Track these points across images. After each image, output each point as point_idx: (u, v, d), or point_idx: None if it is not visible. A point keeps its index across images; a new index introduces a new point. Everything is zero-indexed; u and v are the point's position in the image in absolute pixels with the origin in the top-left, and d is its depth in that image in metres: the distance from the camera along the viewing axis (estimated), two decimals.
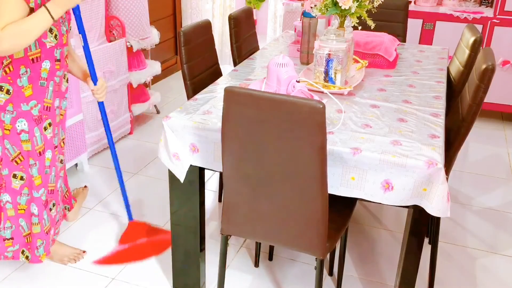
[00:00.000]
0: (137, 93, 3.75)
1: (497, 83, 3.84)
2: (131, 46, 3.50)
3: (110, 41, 3.32)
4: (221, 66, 2.82)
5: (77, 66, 2.24)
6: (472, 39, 2.40)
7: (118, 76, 3.36)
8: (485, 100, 1.91)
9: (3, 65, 1.87)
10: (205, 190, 2.32)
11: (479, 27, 3.82)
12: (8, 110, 1.92)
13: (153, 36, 3.76)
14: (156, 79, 4.65)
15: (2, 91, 1.89)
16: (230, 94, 1.57)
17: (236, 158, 1.66)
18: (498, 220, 2.79)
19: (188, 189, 1.97)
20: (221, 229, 1.85)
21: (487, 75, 1.84)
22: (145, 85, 3.95)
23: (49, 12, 1.78)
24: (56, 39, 1.93)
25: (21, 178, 2.06)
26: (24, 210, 2.11)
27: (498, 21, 3.80)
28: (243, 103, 1.56)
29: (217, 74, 2.70)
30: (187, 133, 1.85)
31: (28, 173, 2.05)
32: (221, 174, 2.39)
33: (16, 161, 2.02)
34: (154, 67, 3.85)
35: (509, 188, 3.12)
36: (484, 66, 1.85)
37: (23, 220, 2.13)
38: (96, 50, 3.10)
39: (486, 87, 1.85)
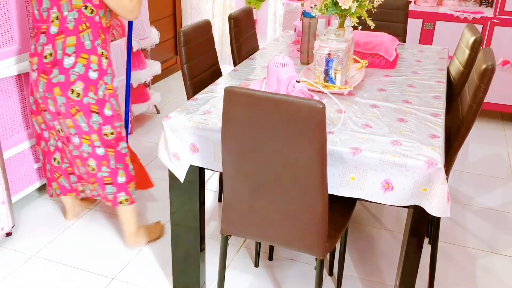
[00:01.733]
0: (137, 93, 3.75)
1: (497, 83, 3.84)
2: None
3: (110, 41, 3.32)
4: (221, 66, 2.82)
5: None
6: (472, 39, 2.40)
7: (118, 76, 3.36)
8: (485, 100, 1.91)
9: (100, 34, 2.17)
10: (205, 190, 2.32)
11: (479, 27, 3.82)
12: (108, 73, 2.22)
13: (153, 36, 3.76)
14: (156, 79, 4.65)
15: (103, 56, 2.19)
16: (230, 94, 1.57)
17: (236, 158, 1.66)
18: (498, 220, 2.79)
19: (188, 189, 1.97)
20: (221, 229, 1.85)
21: (487, 75, 1.84)
22: (145, 85, 3.95)
23: None
24: None
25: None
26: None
27: (498, 21, 3.80)
28: (243, 103, 1.56)
29: (217, 74, 2.70)
30: (187, 133, 1.85)
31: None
32: (221, 174, 2.39)
33: (119, 114, 2.29)
34: (154, 67, 3.85)
35: (509, 188, 3.12)
36: (484, 66, 1.84)
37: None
38: None
39: (486, 87, 1.85)
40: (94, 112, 2.19)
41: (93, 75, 2.16)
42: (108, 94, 2.21)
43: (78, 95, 2.15)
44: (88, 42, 2.13)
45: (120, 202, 2.35)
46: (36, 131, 2.40)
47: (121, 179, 2.32)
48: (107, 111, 2.21)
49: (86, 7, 2.09)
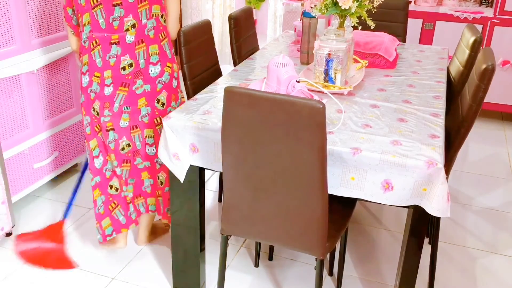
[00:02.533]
0: None
1: (497, 83, 3.84)
2: None
3: None
4: (221, 66, 2.82)
5: None
6: (472, 39, 2.39)
7: None
8: (485, 100, 1.91)
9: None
10: (205, 190, 2.32)
11: (479, 27, 3.82)
12: (179, 81, 2.22)
13: None
14: None
15: (178, 64, 2.20)
16: (230, 94, 1.57)
17: (236, 158, 1.66)
18: (498, 220, 2.79)
19: (188, 189, 1.97)
20: (221, 229, 1.85)
21: (487, 75, 1.84)
22: None
23: None
24: None
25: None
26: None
27: (498, 21, 3.80)
28: (243, 103, 1.55)
29: (217, 74, 2.70)
30: (187, 133, 1.85)
31: None
32: (221, 174, 2.39)
33: None
34: None
35: (509, 188, 3.12)
36: (484, 66, 1.84)
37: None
38: None
39: (486, 87, 1.85)
40: None
41: (175, 83, 2.17)
42: (182, 102, 2.23)
43: (163, 104, 2.13)
44: (168, 51, 2.11)
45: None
46: (92, 155, 2.20)
47: None
48: None
49: (162, 16, 2.04)
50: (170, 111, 2.12)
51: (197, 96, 2.12)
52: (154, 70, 2.05)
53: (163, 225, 2.57)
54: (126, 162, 2.20)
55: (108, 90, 2.04)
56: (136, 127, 2.13)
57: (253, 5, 6.37)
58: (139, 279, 2.26)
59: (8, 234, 2.48)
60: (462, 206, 2.91)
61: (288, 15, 5.01)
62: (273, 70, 1.88)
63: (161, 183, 2.26)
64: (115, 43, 1.99)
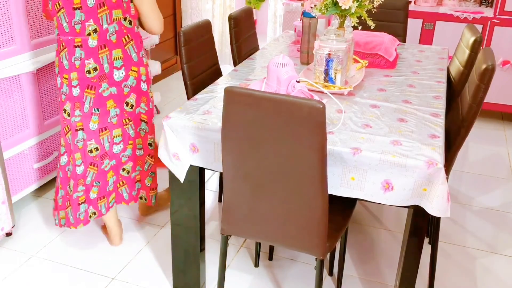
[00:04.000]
0: None
1: (497, 83, 3.84)
2: None
3: None
4: (221, 66, 2.82)
5: None
6: (472, 39, 2.40)
7: None
8: (485, 100, 1.91)
9: (140, 44, 2.15)
10: (205, 190, 2.32)
11: (479, 27, 3.82)
12: (151, 82, 2.28)
13: (153, 36, 3.75)
14: (156, 79, 4.65)
15: (148, 66, 2.24)
16: (230, 94, 1.57)
17: (236, 158, 1.66)
18: (498, 220, 2.79)
19: (188, 189, 1.97)
20: (221, 229, 1.85)
21: (487, 75, 1.84)
22: None
23: None
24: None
25: None
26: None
27: (498, 21, 3.80)
28: (243, 103, 1.56)
29: (217, 74, 2.70)
30: (187, 133, 1.85)
31: None
32: (221, 174, 2.39)
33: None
34: (154, 67, 3.85)
35: (509, 188, 3.12)
36: (484, 66, 1.84)
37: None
38: None
39: (486, 87, 1.85)
40: (143, 121, 2.25)
41: (144, 86, 2.19)
42: (153, 104, 2.30)
43: (132, 106, 2.17)
44: (134, 54, 2.11)
45: (140, 198, 2.44)
46: (59, 152, 2.30)
47: (148, 183, 2.41)
48: (153, 121, 2.30)
49: (125, 19, 2.04)
50: (139, 112, 2.25)
51: (197, 96, 2.12)
52: (118, 75, 2.07)
53: (164, 192, 2.72)
54: (93, 166, 2.23)
55: (75, 91, 2.08)
56: (105, 129, 2.18)
57: (253, 5, 6.38)
58: (139, 279, 2.26)
59: (8, 234, 2.48)
60: (462, 206, 2.91)
61: (288, 15, 5.01)
62: (273, 70, 1.88)
63: (127, 172, 2.33)
64: (78, 46, 2.01)
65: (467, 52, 2.43)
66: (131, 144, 2.28)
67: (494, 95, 3.90)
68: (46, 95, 2.71)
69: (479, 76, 1.87)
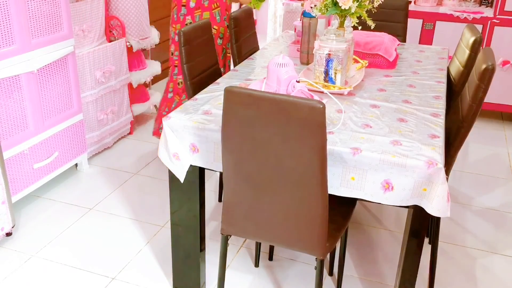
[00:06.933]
0: (137, 93, 3.75)
1: (497, 83, 3.84)
2: (131, 46, 3.50)
3: (110, 41, 3.32)
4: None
5: None
6: (472, 39, 2.39)
7: (119, 76, 3.36)
8: (485, 100, 1.91)
9: (225, 11, 2.99)
10: (205, 190, 2.32)
11: (479, 27, 3.82)
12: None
13: (153, 36, 3.75)
14: (156, 79, 4.65)
15: (227, 28, 3.05)
16: (230, 94, 1.57)
17: (236, 158, 1.66)
18: (498, 220, 2.79)
19: (188, 189, 1.97)
20: (221, 229, 1.85)
21: (487, 75, 1.84)
22: (145, 85, 3.94)
23: None
24: None
25: None
26: None
27: (498, 21, 3.80)
28: (243, 103, 1.56)
29: (217, 74, 2.70)
30: (187, 133, 1.85)
31: None
32: (221, 174, 2.39)
33: None
34: (154, 67, 3.85)
35: (509, 188, 3.12)
36: (484, 66, 1.84)
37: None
38: (96, 50, 3.10)
39: (486, 87, 1.85)
40: None
41: (219, 41, 2.97)
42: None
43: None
44: (218, 17, 2.91)
45: None
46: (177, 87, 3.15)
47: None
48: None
49: None
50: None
51: (197, 96, 2.12)
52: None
53: None
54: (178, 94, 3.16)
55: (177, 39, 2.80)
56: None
57: (253, 5, 6.38)
58: (139, 279, 2.26)
59: (8, 234, 2.48)
60: (462, 206, 2.91)
61: (288, 15, 5.01)
62: (273, 70, 1.88)
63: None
64: (183, 5, 2.92)
65: (467, 52, 2.43)
66: None
67: (494, 95, 3.90)
68: (46, 95, 2.71)
69: (479, 76, 1.87)
